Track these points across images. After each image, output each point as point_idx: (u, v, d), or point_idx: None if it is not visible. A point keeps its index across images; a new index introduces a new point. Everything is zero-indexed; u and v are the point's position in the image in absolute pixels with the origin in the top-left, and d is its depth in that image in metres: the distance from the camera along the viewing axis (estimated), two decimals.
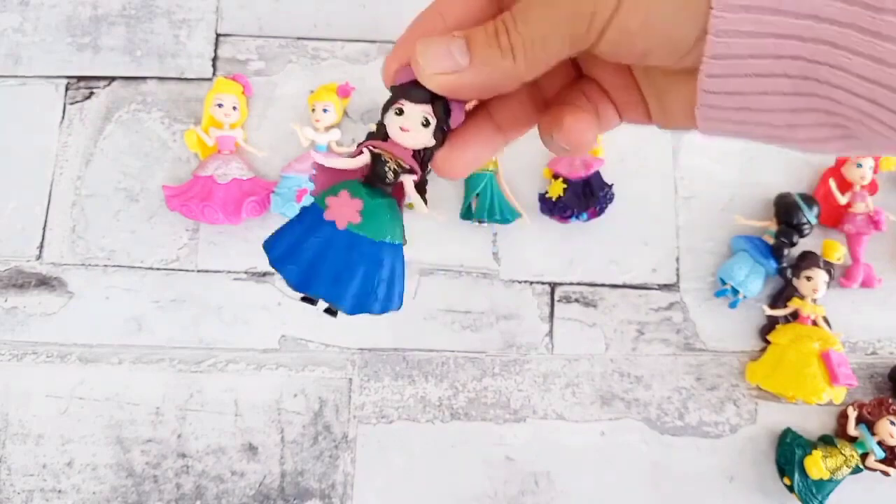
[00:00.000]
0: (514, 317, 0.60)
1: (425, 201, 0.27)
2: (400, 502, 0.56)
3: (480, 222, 0.60)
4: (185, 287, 0.59)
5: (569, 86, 0.24)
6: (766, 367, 0.58)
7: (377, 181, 0.27)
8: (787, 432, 0.58)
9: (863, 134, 0.17)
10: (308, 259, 0.27)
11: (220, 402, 0.57)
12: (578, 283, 0.61)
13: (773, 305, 0.61)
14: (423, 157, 0.24)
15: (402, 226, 0.28)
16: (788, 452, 0.56)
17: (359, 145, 0.27)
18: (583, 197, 0.59)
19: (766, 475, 0.58)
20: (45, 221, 0.60)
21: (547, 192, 0.61)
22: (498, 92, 0.21)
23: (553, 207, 0.60)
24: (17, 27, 0.63)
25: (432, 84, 0.21)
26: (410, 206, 0.26)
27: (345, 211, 0.28)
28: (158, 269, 0.59)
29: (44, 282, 0.59)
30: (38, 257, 0.59)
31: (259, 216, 0.59)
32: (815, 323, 0.59)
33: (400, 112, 0.24)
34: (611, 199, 0.60)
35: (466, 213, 0.60)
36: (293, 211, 0.57)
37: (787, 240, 0.60)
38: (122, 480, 0.56)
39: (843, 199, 0.61)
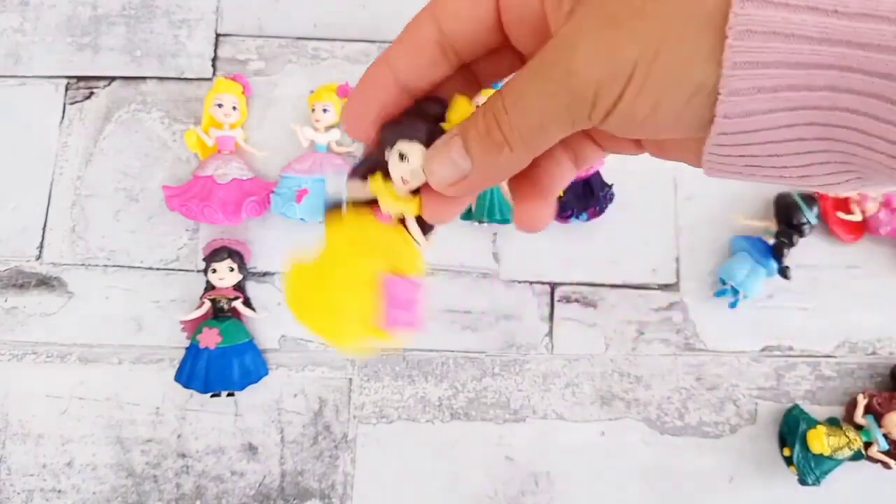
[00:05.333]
0: (514, 317, 0.60)
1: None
2: (400, 502, 0.56)
3: (480, 222, 0.60)
4: (185, 287, 0.59)
5: None
6: (311, 278, 0.28)
7: (220, 313, 0.55)
8: (795, 406, 0.58)
9: (880, 180, 0.17)
10: (202, 373, 0.54)
11: (220, 401, 0.57)
12: (578, 283, 0.61)
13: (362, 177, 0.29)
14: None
15: (245, 328, 0.56)
16: (793, 423, 0.56)
17: (200, 299, 0.55)
18: (583, 197, 0.59)
19: (767, 475, 0.58)
20: (45, 221, 0.60)
21: None
22: (504, 179, 0.21)
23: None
24: (17, 27, 0.63)
25: (449, 193, 0.21)
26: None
27: (211, 338, 0.54)
28: (158, 269, 0.59)
29: (44, 282, 0.59)
30: (38, 257, 0.59)
31: (259, 216, 0.59)
32: (402, 223, 0.28)
33: (214, 271, 0.54)
34: (611, 199, 0.60)
35: (466, 214, 0.60)
36: (293, 211, 0.57)
37: (787, 240, 0.60)
38: (122, 480, 0.56)
39: (858, 216, 0.61)
